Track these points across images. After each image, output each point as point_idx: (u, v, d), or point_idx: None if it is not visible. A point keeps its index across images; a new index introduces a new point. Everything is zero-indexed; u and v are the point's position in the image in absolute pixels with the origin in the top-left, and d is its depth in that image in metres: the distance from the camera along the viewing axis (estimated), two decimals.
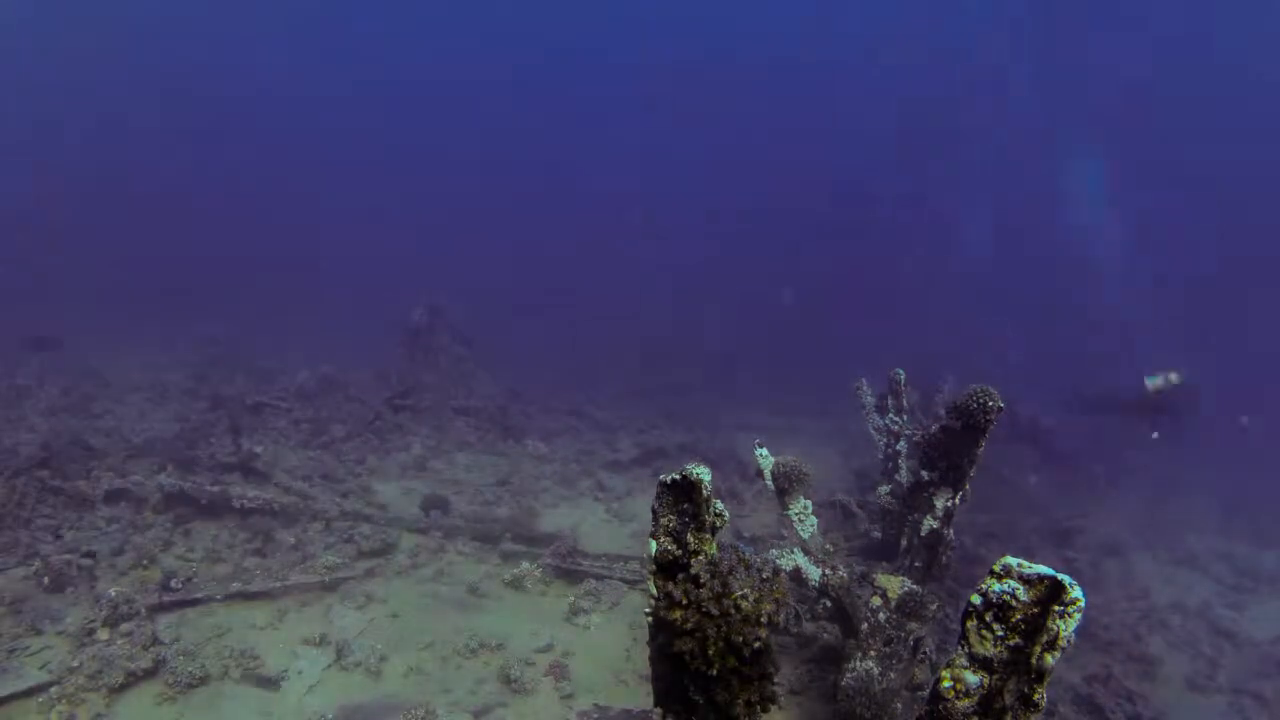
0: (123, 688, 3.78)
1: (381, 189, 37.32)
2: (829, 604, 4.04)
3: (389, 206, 35.41)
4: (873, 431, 5.69)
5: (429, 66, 40.08)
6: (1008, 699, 1.21)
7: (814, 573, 3.89)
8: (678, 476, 1.56)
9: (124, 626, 4.11)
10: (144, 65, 35.49)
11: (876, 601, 3.71)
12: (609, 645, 4.71)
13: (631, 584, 5.39)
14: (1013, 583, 1.20)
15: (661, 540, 1.58)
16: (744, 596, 1.45)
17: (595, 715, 3.91)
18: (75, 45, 34.19)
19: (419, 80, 40.61)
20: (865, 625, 3.68)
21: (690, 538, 1.56)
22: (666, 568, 1.58)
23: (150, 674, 3.89)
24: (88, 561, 4.75)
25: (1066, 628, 1.14)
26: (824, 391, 12.19)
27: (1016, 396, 7.74)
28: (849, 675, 3.42)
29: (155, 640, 4.08)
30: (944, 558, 3.94)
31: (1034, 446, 9.26)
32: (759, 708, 1.58)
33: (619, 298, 23.53)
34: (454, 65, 40.45)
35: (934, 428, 3.71)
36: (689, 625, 1.49)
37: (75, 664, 3.82)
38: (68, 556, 4.74)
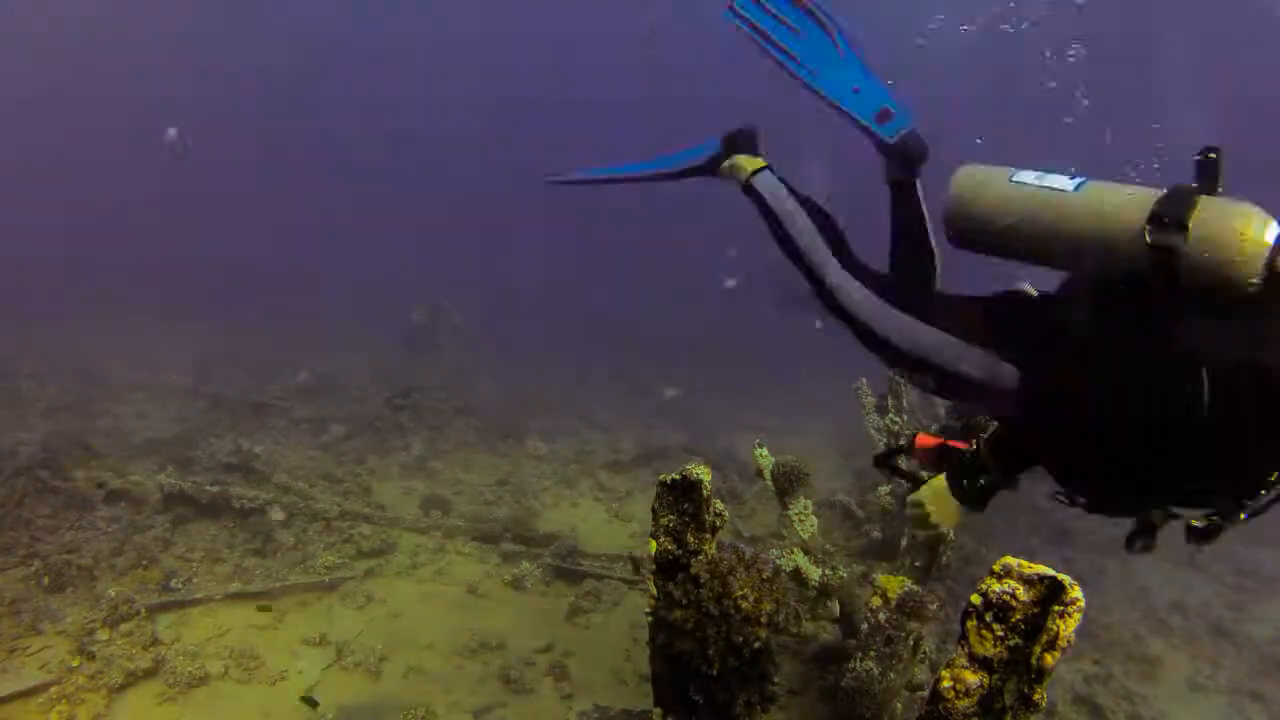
0: (123, 688, 3.78)
1: (381, 187, 37.31)
2: (829, 604, 4.04)
3: (390, 205, 35.40)
4: (873, 431, 5.68)
5: (426, 55, 39.87)
6: (1008, 699, 1.21)
7: (814, 573, 3.89)
8: (678, 476, 1.56)
9: (124, 626, 4.11)
10: (142, 62, 35.45)
11: (876, 601, 3.71)
12: (609, 645, 4.71)
13: (631, 584, 5.39)
14: (1013, 583, 1.20)
15: (661, 540, 1.58)
16: (744, 596, 1.45)
17: (595, 715, 3.91)
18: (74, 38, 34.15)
19: (412, 67, 40.44)
20: (865, 625, 3.68)
21: (690, 538, 1.56)
22: (666, 568, 1.58)
23: (150, 674, 3.89)
24: (87, 561, 4.75)
25: (1067, 628, 1.14)
26: (824, 391, 12.18)
27: None
28: (849, 675, 3.42)
29: (155, 640, 4.08)
30: (944, 558, 3.94)
31: None
32: (759, 708, 1.58)
33: (620, 297, 23.53)
34: (452, 56, 40.25)
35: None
36: (689, 625, 1.49)
37: (75, 664, 3.82)
38: (68, 556, 4.74)
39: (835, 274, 2.44)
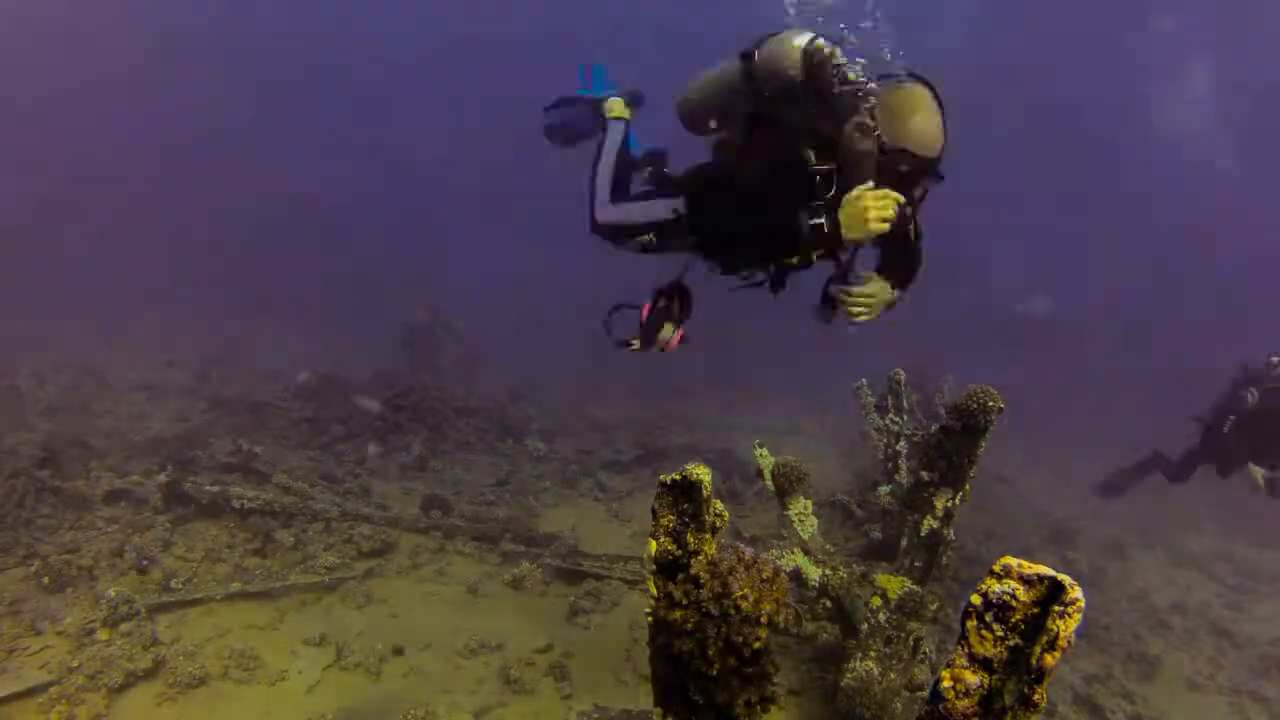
0: (123, 688, 3.78)
1: (381, 186, 37.28)
2: (829, 604, 4.04)
3: (390, 204, 35.37)
4: (873, 431, 5.68)
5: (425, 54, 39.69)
6: (1008, 699, 1.21)
7: (814, 573, 3.90)
8: (678, 476, 1.56)
9: (124, 626, 4.11)
10: (136, 59, 35.39)
11: (876, 602, 3.71)
12: (609, 645, 4.71)
13: (631, 584, 5.39)
14: (1013, 583, 1.19)
15: (661, 540, 1.58)
16: (744, 597, 1.45)
17: (595, 715, 3.91)
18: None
19: (415, 67, 40.31)
20: (865, 625, 3.68)
21: (690, 538, 1.56)
22: (666, 568, 1.58)
23: (150, 674, 3.89)
24: (87, 561, 4.75)
25: (1067, 628, 1.14)
26: (824, 391, 12.18)
27: None
28: (849, 675, 3.42)
29: (155, 640, 4.08)
30: (944, 558, 3.94)
31: None
32: (759, 708, 1.58)
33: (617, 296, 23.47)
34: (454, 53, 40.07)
35: (934, 428, 3.71)
36: (689, 626, 1.49)
37: (75, 664, 3.82)
38: (68, 556, 4.74)
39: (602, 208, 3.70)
